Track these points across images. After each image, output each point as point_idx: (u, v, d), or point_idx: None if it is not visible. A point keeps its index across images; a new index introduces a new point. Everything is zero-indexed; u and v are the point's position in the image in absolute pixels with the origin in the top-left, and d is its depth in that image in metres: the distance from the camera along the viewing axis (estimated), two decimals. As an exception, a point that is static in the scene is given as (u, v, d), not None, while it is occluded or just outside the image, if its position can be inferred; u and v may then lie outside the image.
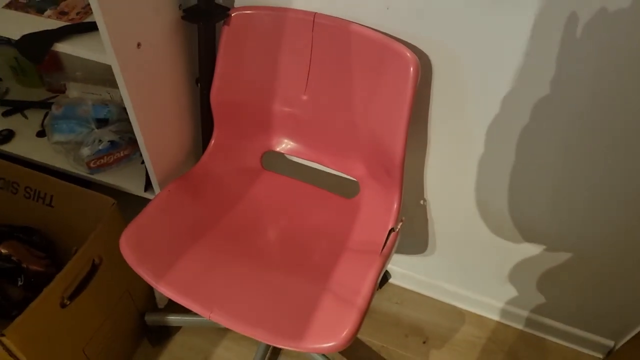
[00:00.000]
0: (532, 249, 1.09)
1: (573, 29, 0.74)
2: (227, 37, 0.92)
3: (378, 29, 0.85)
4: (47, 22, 0.81)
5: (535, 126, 0.88)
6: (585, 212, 0.97)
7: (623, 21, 0.70)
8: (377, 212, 0.95)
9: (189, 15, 0.88)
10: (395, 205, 0.92)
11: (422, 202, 1.13)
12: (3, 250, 0.90)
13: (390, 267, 1.35)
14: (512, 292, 1.23)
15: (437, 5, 0.79)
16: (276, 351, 1.22)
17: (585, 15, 0.72)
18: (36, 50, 0.77)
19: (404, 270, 1.33)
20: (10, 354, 0.81)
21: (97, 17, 0.70)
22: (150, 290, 1.20)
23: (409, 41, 0.85)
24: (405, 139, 0.85)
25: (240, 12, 0.90)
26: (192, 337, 1.24)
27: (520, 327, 1.29)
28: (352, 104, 0.92)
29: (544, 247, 1.08)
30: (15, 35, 0.79)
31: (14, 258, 0.90)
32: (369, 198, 0.98)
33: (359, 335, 1.27)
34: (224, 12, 0.90)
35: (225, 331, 1.25)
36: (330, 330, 0.77)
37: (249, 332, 0.78)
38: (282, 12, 0.89)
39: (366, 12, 0.84)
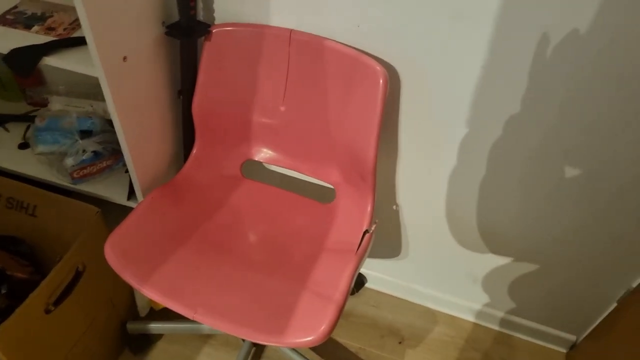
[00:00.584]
0: (499, 252, 1.16)
1: (531, 41, 0.82)
2: (208, 51, 0.98)
3: (350, 44, 0.92)
4: (35, 37, 0.85)
5: (499, 134, 0.95)
6: (545, 215, 1.05)
7: (587, 37, 0.79)
8: (352, 215, 1.01)
9: (171, 31, 0.93)
10: (369, 208, 0.98)
11: (394, 207, 1.19)
12: (-12, 259, 0.91)
13: (366, 271, 1.41)
14: (482, 292, 1.29)
15: (403, 22, 0.86)
16: (257, 355, 1.25)
17: (544, 26, 0.80)
18: (25, 64, 0.81)
19: (380, 274, 1.39)
20: (-4, 359, 0.82)
21: (86, 31, 0.74)
22: (132, 298, 1.22)
23: (378, 55, 0.92)
24: (376, 146, 0.92)
25: (221, 28, 0.96)
26: (173, 344, 1.26)
27: (490, 325, 1.36)
28: (327, 114, 0.98)
29: (510, 249, 1.15)
30: (4, 50, 0.82)
31: (-2, 266, 0.92)
32: (345, 202, 1.03)
33: (337, 338, 1.31)
34: (205, 29, 0.95)
35: (206, 338, 1.28)
36: (310, 325, 0.81)
37: (232, 330, 0.82)
38: (260, 29, 0.95)
39: (339, 30, 0.91)
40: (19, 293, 0.94)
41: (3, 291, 0.93)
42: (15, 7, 0.91)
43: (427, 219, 1.18)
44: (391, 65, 0.92)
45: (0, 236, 0.99)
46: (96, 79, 0.81)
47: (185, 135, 1.09)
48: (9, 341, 0.82)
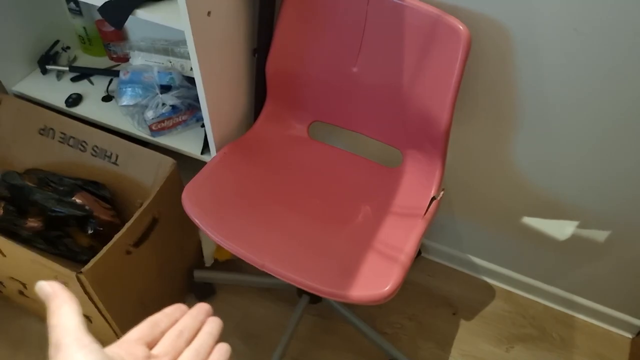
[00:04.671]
0: (568, 226, 1.13)
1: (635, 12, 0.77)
2: (286, 8, 0.98)
3: (433, 2, 0.89)
4: (126, -10, 0.88)
5: (580, 107, 0.91)
6: (626, 190, 1.00)
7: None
8: (419, 181, 1.00)
9: None
10: (438, 174, 0.97)
11: (457, 176, 1.17)
12: (77, 200, 0.99)
13: (422, 240, 1.41)
14: (543, 269, 1.27)
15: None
16: (311, 312, 1.30)
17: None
18: (118, 16, 0.85)
19: (436, 244, 1.38)
20: (85, 290, 0.90)
21: (177, -15, 0.77)
22: (199, 248, 1.29)
23: (460, 15, 0.89)
24: (451, 111, 0.90)
25: (300, -14, 0.96)
26: (234, 295, 1.33)
27: (550, 304, 1.33)
28: (401, 76, 0.97)
29: (581, 223, 1.11)
30: (99, 2, 0.87)
31: (87, 207, 0.99)
32: (412, 167, 1.03)
33: (390, 303, 1.33)
34: (284, -14, 0.96)
35: (264, 292, 1.33)
36: (374, 283, 0.83)
37: (298, 281, 0.85)
38: (338, -13, 0.95)
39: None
40: (102, 232, 1.02)
41: (90, 231, 1.01)
42: (108, -39, 0.95)
43: (490, 190, 1.16)
44: (472, 27, 0.89)
45: (87, 180, 1.06)
46: (175, 34, 0.84)
47: (257, 93, 1.11)
48: (96, 277, 0.90)
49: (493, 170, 1.11)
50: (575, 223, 1.11)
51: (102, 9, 0.86)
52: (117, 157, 1.10)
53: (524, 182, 1.10)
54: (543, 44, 0.86)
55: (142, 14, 0.86)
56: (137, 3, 0.85)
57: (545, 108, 0.95)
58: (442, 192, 0.97)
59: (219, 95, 0.99)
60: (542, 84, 0.91)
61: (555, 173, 1.04)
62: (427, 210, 0.94)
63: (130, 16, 0.86)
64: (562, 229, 1.14)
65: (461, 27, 0.84)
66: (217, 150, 1.06)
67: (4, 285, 1.16)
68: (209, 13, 0.86)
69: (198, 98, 0.97)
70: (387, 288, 0.81)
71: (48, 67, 1.26)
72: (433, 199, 0.96)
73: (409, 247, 0.87)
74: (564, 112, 0.94)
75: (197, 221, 0.91)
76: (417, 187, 1.01)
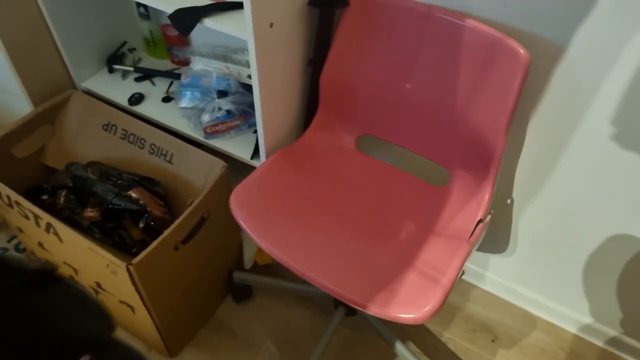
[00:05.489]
0: (622, 260, 1.08)
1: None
2: (344, 22, 1.00)
3: (492, 23, 0.89)
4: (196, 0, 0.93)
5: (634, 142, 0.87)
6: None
7: None
8: (467, 202, 0.99)
9: (313, 1, 0.97)
10: (487, 197, 0.95)
11: (508, 200, 1.15)
12: (133, 195, 1.04)
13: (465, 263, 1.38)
14: (592, 304, 1.21)
15: (554, 4, 0.81)
16: (345, 324, 1.29)
17: None
18: (186, 23, 0.89)
19: (479, 269, 1.35)
20: (133, 281, 0.94)
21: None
22: (240, 250, 1.32)
23: (521, 38, 0.87)
24: (506, 133, 0.89)
25: (360, 0, 0.97)
26: (270, 300, 1.35)
27: (595, 341, 1.27)
28: (455, 95, 0.96)
29: (632, 260, 1.06)
30: (170, 9, 0.91)
31: (142, 202, 1.04)
32: (460, 188, 1.02)
33: (427, 324, 1.31)
34: (344, 1, 0.97)
35: (301, 299, 1.34)
36: (414, 302, 0.82)
37: (337, 293, 0.85)
38: (399, 2, 0.95)
39: (481, 6, 0.88)
40: (153, 227, 1.07)
41: (141, 225, 1.05)
42: (180, -29, 1.00)
43: (541, 218, 1.13)
44: (534, 50, 0.88)
45: (144, 177, 1.12)
46: (234, 42, 0.87)
47: (309, 103, 1.13)
48: (145, 270, 0.94)
49: (546, 196, 1.08)
50: (632, 260, 1.06)
51: (172, 16, 0.90)
52: (172, 155, 1.15)
53: (580, 211, 1.06)
54: (606, 73, 0.83)
55: (209, 22, 0.90)
56: (206, 12, 0.89)
57: (596, 140, 0.92)
58: (489, 216, 0.95)
59: (273, 102, 1.02)
60: (595, 115, 0.88)
61: (612, 209, 1.00)
62: (472, 233, 0.92)
63: (198, 24, 0.90)
64: (617, 264, 1.09)
65: (521, 51, 0.83)
66: (267, 156, 1.09)
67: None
68: (271, 24, 0.89)
69: (252, 105, 1.00)
70: (426, 309, 0.81)
71: (115, 66, 1.33)
72: (479, 222, 0.94)
73: (452, 270, 0.85)
74: (614, 149, 0.90)
75: (242, 224, 0.94)
76: (463, 208, 0.99)
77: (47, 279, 0.47)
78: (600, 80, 0.85)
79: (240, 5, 0.86)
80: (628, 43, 0.79)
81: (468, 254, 0.89)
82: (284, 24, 0.93)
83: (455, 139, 1.00)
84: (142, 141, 1.18)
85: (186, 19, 0.89)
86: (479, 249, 1.32)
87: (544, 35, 0.85)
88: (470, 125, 0.95)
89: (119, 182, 1.07)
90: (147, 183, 1.11)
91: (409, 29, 0.96)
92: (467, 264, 1.37)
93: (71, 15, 1.19)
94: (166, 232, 0.95)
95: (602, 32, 0.80)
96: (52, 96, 1.23)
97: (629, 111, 0.86)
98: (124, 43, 1.38)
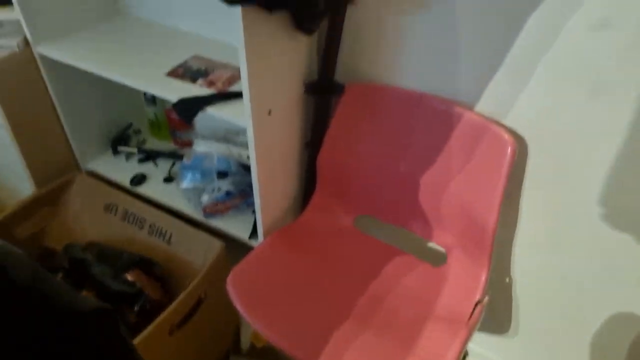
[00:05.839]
0: (626, 340, 1.05)
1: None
2: (341, 107, 1.05)
3: (478, 110, 0.93)
4: (199, 89, 0.99)
5: (635, 219, 0.89)
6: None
7: None
8: (464, 283, 0.98)
9: (310, 89, 1.02)
10: (483, 277, 0.95)
11: (507, 279, 1.14)
12: (130, 277, 1.03)
13: (468, 345, 1.33)
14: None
15: (536, 93, 0.86)
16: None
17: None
18: (189, 112, 0.94)
19: (483, 350, 1.31)
20: (124, 368, 0.91)
21: (244, 88, 0.85)
22: (237, 332, 1.29)
23: (507, 123, 0.92)
24: (497, 215, 0.90)
25: (356, 87, 1.03)
26: (268, 384, 1.29)
27: None
28: (447, 176, 0.99)
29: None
30: (174, 98, 0.97)
31: (138, 285, 1.03)
32: (457, 268, 1.02)
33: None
34: (340, 88, 1.03)
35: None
36: (415, 390, 0.79)
37: (336, 380, 0.83)
38: (392, 90, 1.01)
39: (468, 95, 0.94)
40: (149, 310, 1.05)
41: (137, 308, 1.04)
42: (186, 62, 1.07)
43: (543, 297, 1.11)
44: (519, 134, 0.92)
45: (142, 258, 1.12)
46: (236, 125, 0.91)
47: (307, 184, 1.16)
48: (138, 354, 0.91)
49: (543, 275, 1.07)
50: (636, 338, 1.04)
51: (176, 105, 0.96)
52: (170, 236, 1.16)
53: (578, 293, 1.05)
54: (591, 156, 0.87)
55: (211, 110, 0.94)
56: (208, 102, 0.94)
57: (588, 221, 0.93)
58: (486, 297, 0.94)
59: (271, 184, 1.04)
60: (583, 197, 0.91)
61: (614, 283, 0.99)
62: (471, 315, 0.91)
63: (200, 112, 0.95)
64: (623, 345, 1.06)
65: (506, 137, 0.87)
66: (265, 236, 1.10)
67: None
68: (269, 112, 0.94)
69: (251, 185, 1.02)
70: (428, 397, 0.78)
71: (119, 148, 1.38)
72: (477, 303, 0.93)
73: (451, 355, 0.83)
74: (605, 230, 0.92)
75: (240, 308, 0.92)
76: (461, 289, 0.98)
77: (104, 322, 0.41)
78: (583, 162, 0.88)
79: (240, 95, 0.91)
80: (607, 128, 0.83)
81: (467, 337, 0.88)
82: (282, 111, 0.98)
83: (450, 219, 1.01)
84: (142, 221, 1.19)
85: (189, 108, 0.94)
86: (481, 329, 1.28)
87: (529, 121, 0.90)
88: (464, 206, 0.97)
89: (117, 263, 1.07)
90: (145, 264, 1.11)
91: (402, 113, 1.01)
92: (471, 345, 1.33)
93: (79, 98, 1.26)
94: (160, 317, 0.94)
95: (580, 120, 0.84)
96: (56, 177, 1.26)
97: (615, 192, 0.88)
98: (130, 125, 1.44)
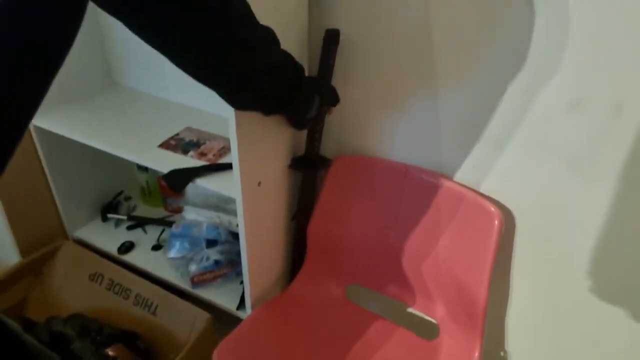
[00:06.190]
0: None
1: (654, 199, 0.79)
2: (329, 180, 1.07)
3: (463, 182, 0.95)
4: (190, 161, 1.00)
5: (626, 288, 0.89)
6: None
7: None
8: (457, 358, 0.96)
9: (295, 165, 1.03)
10: (476, 353, 0.93)
11: (502, 353, 1.11)
12: (111, 353, 1.00)
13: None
14: None
15: (519, 167, 0.89)
16: None
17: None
18: (180, 183, 0.95)
19: None
20: None
21: (234, 161, 0.87)
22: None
23: (491, 195, 0.93)
24: (487, 287, 0.90)
25: (344, 158, 1.06)
26: None
27: None
28: (436, 247, 0.99)
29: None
30: (165, 169, 0.98)
31: (119, 360, 0.99)
32: (449, 342, 0.99)
33: None
34: (326, 162, 1.05)
35: None
36: None
37: None
38: (378, 162, 1.04)
39: (453, 167, 0.96)
40: (129, 388, 1.00)
41: (116, 385, 0.99)
42: (178, 134, 1.10)
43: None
44: (505, 206, 0.93)
45: (125, 331, 1.08)
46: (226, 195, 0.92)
47: (295, 254, 1.15)
48: None
49: (537, 348, 1.05)
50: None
51: (166, 176, 0.97)
52: (156, 307, 1.13)
53: (573, 364, 1.02)
54: (574, 228, 0.88)
55: (200, 182, 0.96)
56: (198, 173, 0.96)
57: (577, 292, 0.93)
58: (482, 373, 0.91)
59: (259, 254, 1.04)
60: (578, 263, 0.91)
61: (609, 355, 0.97)
62: (466, 392, 0.88)
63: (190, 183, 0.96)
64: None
65: (492, 209, 0.88)
66: (253, 307, 1.07)
67: None
68: (259, 183, 0.95)
69: (240, 253, 1.02)
70: None
71: (109, 215, 1.37)
72: (473, 379, 0.90)
73: None
74: (595, 301, 0.91)
75: (225, 385, 0.89)
76: (455, 363, 0.96)
77: None
78: (567, 235, 0.89)
79: (230, 166, 0.92)
80: (587, 201, 0.85)
81: (463, 417, 0.84)
82: (271, 182, 0.99)
83: (440, 291, 1.00)
84: (128, 291, 1.17)
85: (179, 178, 0.95)
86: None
87: (512, 193, 0.92)
88: (452, 277, 0.96)
89: (98, 337, 1.04)
90: (128, 338, 1.07)
91: (389, 184, 1.03)
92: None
93: (70, 167, 1.26)
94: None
95: (562, 193, 0.86)
96: (41, 245, 1.24)
97: (601, 264, 0.89)
98: (120, 192, 1.44)
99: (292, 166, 1.03)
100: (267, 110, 0.78)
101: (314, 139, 1.01)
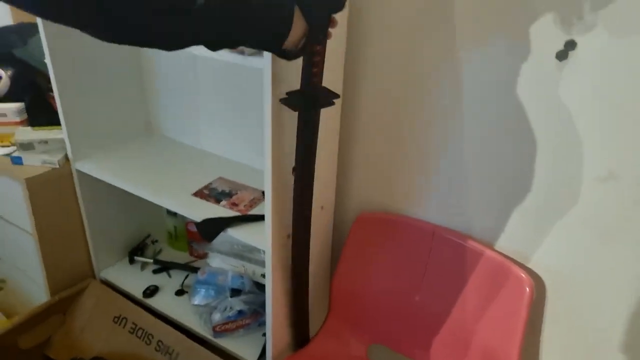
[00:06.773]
0: None
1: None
2: (354, 235, 1.08)
3: (492, 245, 0.95)
4: (222, 211, 1.03)
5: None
6: None
7: None
8: None
9: (291, 99, 0.75)
10: None
11: None
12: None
13: None
14: None
15: (549, 233, 0.88)
16: None
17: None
18: (211, 231, 0.97)
19: None
20: None
21: (267, 213, 0.89)
22: None
23: (522, 260, 0.93)
24: (519, 355, 0.87)
25: (368, 216, 1.07)
26: None
27: None
28: (463, 312, 0.98)
29: None
30: (198, 218, 1.01)
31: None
32: (476, 410, 0.96)
33: None
34: (330, 98, 0.75)
35: None
36: None
37: None
38: (405, 220, 1.04)
39: (482, 231, 0.96)
40: None
41: None
42: (211, 183, 1.13)
43: None
44: (535, 272, 0.92)
45: (144, 377, 1.08)
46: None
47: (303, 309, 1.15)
48: None
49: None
50: None
51: (199, 224, 0.99)
52: (177, 355, 1.13)
53: None
54: (606, 294, 0.86)
55: (232, 232, 0.98)
56: (230, 223, 0.98)
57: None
58: None
59: (284, 306, 1.03)
60: (611, 331, 0.88)
61: None
62: None
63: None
64: None
65: (523, 276, 0.87)
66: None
67: None
68: (289, 236, 0.96)
69: (264, 304, 1.02)
70: None
71: (136, 257, 1.40)
72: None
73: None
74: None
75: None
76: None
77: None
78: (597, 307, 0.87)
79: (262, 218, 0.95)
80: (616, 274, 0.83)
81: None
82: (300, 236, 1.00)
83: (466, 357, 0.98)
84: (150, 337, 1.17)
85: (212, 228, 0.98)
86: None
87: (542, 258, 0.91)
88: (481, 343, 0.94)
89: (119, 383, 1.03)
90: (147, 385, 1.06)
91: (415, 244, 1.03)
92: None
93: (105, 209, 1.31)
94: None
95: (591, 264, 0.85)
96: (69, 283, 1.27)
97: (632, 342, 0.86)
98: (148, 236, 1.47)
99: (285, 101, 0.73)
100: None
101: (312, 64, 0.69)
